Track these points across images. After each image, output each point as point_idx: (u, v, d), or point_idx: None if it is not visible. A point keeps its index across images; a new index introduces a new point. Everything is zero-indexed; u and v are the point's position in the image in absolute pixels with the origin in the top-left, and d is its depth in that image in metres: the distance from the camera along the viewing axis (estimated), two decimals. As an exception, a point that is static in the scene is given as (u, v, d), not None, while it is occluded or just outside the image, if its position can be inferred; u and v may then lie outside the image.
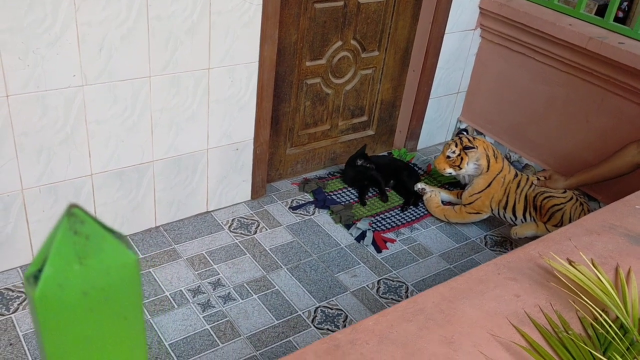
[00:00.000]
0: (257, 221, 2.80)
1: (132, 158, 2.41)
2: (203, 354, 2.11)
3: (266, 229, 2.75)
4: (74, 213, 0.32)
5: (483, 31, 3.32)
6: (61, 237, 0.32)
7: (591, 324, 1.22)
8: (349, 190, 3.10)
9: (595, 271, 1.29)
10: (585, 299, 1.21)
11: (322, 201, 2.96)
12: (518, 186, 2.80)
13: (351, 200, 3.02)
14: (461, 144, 2.81)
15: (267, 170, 2.91)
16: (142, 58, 2.22)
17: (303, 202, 2.96)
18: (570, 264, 1.37)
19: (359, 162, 3.06)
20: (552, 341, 1.17)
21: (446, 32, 3.16)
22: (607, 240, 1.54)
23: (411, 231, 2.88)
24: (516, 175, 2.84)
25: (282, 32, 2.66)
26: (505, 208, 2.81)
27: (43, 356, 0.37)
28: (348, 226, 2.83)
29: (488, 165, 2.80)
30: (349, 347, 1.14)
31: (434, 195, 2.99)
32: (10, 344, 2.05)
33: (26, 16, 1.92)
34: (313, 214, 2.90)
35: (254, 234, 2.72)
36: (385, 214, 2.97)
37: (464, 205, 2.89)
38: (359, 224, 2.82)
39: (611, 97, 2.84)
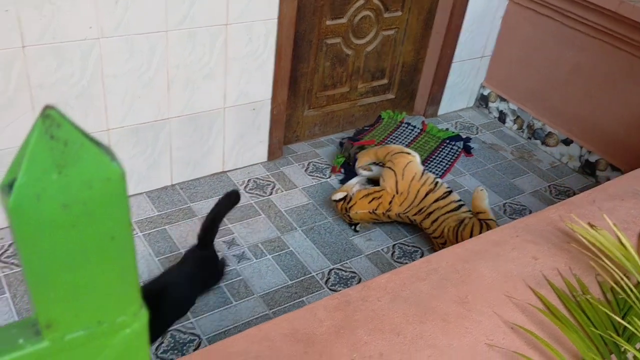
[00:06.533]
0: (273, 182, 2.78)
1: (148, 114, 2.39)
2: (217, 311, 2.12)
3: (282, 191, 2.73)
4: (49, 115, 0.29)
5: (510, -7, 3.21)
6: (36, 141, 0.29)
7: (611, 289, 1.18)
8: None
9: (619, 235, 1.24)
10: (607, 263, 1.17)
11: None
12: None
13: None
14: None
15: (284, 132, 2.87)
16: (159, 11, 2.18)
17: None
18: (591, 228, 1.32)
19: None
20: (570, 304, 1.14)
21: (472, -7, 3.06)
22: (630, 205, 1.49)
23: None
24: None
25: (303, -11, 2.59)
26: None
27: (24, 276, 0.34)
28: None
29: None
30: (360, 303, 1.12)
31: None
32: (27, 295, 2.08)
33: (42, -35, 1.88)
34: (329, 177, 2.87)
35: (270, 195, 2.70)
36: None
37: None
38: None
39: (641, 64, 2.73)
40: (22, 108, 2.09)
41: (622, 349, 1.06)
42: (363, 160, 2.70)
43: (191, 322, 2.07)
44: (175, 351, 1.98)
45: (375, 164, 2.70)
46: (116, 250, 0.35)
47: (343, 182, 2.78)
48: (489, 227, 2.31)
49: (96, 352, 0.38)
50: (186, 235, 2.41)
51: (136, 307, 0.38)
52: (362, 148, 2.84)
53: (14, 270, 2.15)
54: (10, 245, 2.24)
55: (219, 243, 2.39)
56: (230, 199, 2.11)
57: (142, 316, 0.38)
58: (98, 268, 0.35)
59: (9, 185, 0.30)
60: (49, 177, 0.30)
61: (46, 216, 0.31)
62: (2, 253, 2.21)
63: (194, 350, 2.00)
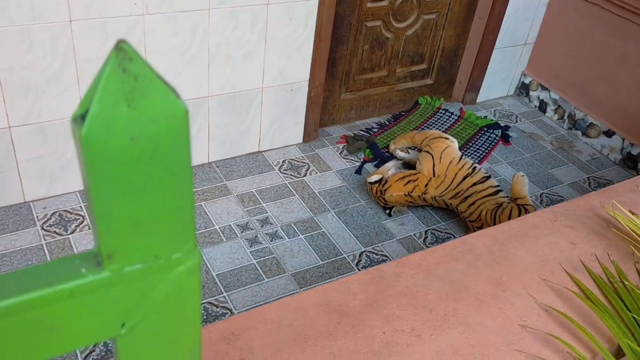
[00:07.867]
0: (308, 164, 2.79)
1: (188, 92, 2.42)
2: (248, 287, 2.16)
3: (316, 172, 2.75)
4: (122, 48, 0.31)
5: (556, -20, 3.13)
6: (109, 73, 0.31)
7: (650, 277, 1.17)
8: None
9: (660, 223, 1.22)
10: (647, 251, 1.15)
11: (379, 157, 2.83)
12: None
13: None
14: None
15: (320, 114, 2.88)
16: (202, -11, 2.20)
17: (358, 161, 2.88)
18: (632, 214, 1.30)
19: None
20: (606, 290, 1.13)
21: (517, -22, 3.00)
22: (674, 196, 1.45)
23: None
24: None
25: (345, -29, 2.58)
26: None
27: (90, 207, 0.36)
28: None
29: None
30: (393, 279, 1.13)
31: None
32: (68, 262, 2.15)
33: (91, -60, 1.92)
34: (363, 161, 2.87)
35: (304, 176, 2.72)
36: None
37: None
38: None
39: (692, 55, 2.65)
40: (68, 81, 2.14)
41: (660, 337, 1.04)
42: (400, 142, 2.70)
43: (224, 296, 2.11)
44: (207, 324, 2.03)
45: (411, 148, 2.70)
46: (176, 187, 0.36)
47: (378, 166, 2.78)
48: (527, 212, 2.29)
49: (151, 287, 0.39)
50: (221, 213, 2.45)
51: (191, 245, 0.39)
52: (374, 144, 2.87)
53: (56, 239, 2.22)
54: (52, 214, 2.32)
55: (253, 221, 2.43)
56: None
57: (195, 255, 0.40)
58: (158, 203, 0.37)
59: (82, 116, 0.32)
60: (120, 109, 0.32)
61: (115, 148, 0.33)
62: (45, 222, 2.28)
63: (226, 323, 2.04)
